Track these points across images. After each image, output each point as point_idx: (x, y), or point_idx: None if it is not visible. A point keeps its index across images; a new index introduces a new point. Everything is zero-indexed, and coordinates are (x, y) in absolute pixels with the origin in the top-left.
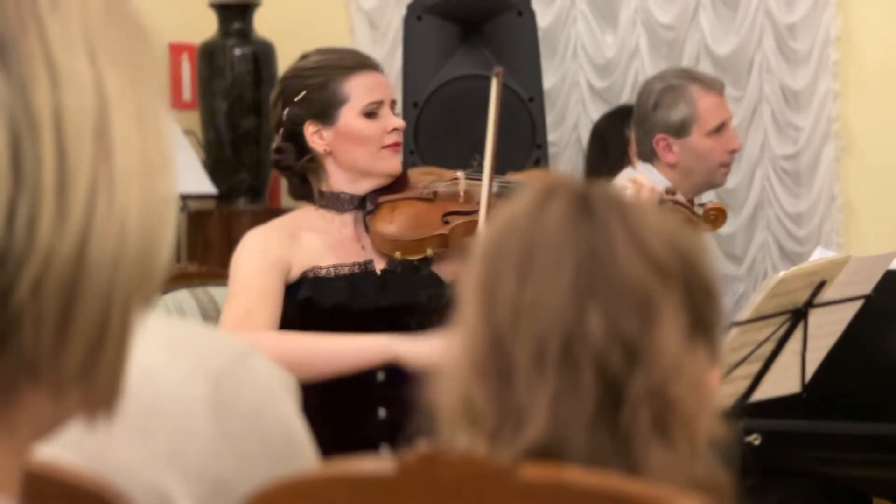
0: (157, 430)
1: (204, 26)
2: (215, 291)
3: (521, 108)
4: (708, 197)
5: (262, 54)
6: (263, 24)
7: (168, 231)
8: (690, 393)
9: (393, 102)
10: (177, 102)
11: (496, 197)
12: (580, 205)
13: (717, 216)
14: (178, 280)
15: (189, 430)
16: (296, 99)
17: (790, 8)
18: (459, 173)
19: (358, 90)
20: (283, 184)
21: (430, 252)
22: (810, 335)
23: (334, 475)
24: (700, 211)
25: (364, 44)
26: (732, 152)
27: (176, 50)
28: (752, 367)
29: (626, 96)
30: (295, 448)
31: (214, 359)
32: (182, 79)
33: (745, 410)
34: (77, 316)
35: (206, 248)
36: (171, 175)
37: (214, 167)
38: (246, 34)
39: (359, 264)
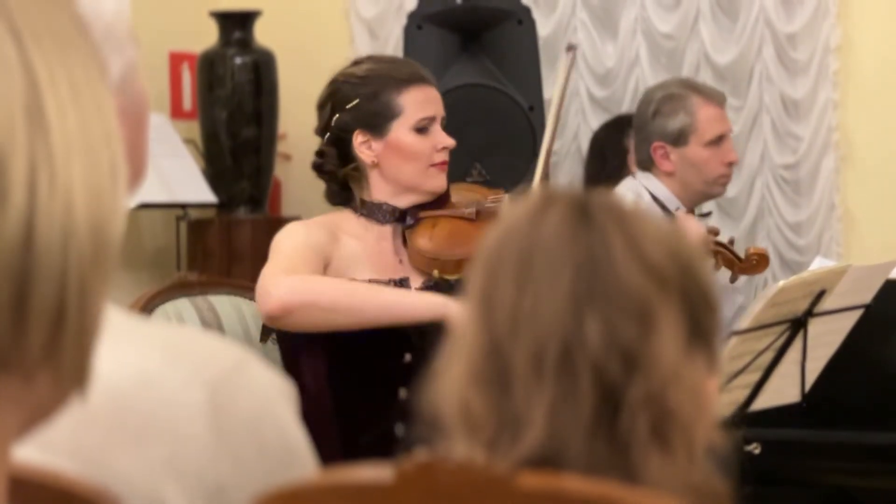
0: (155, 436)
1: (204, 35)
2: (215, 300)
3: (522, 118)
4: (708, 207)
5: (263, 63)
6: (264, 33)
7: (119, 203)
8: (689, 401)
9: (443, 119)
10: (177, 111)
11: None
12: (578, 212)
13: (758, 261)
14: (177, 289)
15: (187, 437)
16: (347, 106)
17: (790, 17)
18: (503, 192)
19: (411, 104)
20: (283, 193)
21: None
22: (810, 344)
23: (333, 483)
24: (742, 254)
25: (364, 53)
26: (729, 165)
27: (176, 59)
28: (752, 377)
29: (627, 106)
30: (293, 455)
31: (212, 365)
32: (182, 88)
33: (745, 419)
34: (32, 298)
35: (205, 257)
36: (114, 145)
37: (214, 176)
38: (246, 43)
39: (395, 281)
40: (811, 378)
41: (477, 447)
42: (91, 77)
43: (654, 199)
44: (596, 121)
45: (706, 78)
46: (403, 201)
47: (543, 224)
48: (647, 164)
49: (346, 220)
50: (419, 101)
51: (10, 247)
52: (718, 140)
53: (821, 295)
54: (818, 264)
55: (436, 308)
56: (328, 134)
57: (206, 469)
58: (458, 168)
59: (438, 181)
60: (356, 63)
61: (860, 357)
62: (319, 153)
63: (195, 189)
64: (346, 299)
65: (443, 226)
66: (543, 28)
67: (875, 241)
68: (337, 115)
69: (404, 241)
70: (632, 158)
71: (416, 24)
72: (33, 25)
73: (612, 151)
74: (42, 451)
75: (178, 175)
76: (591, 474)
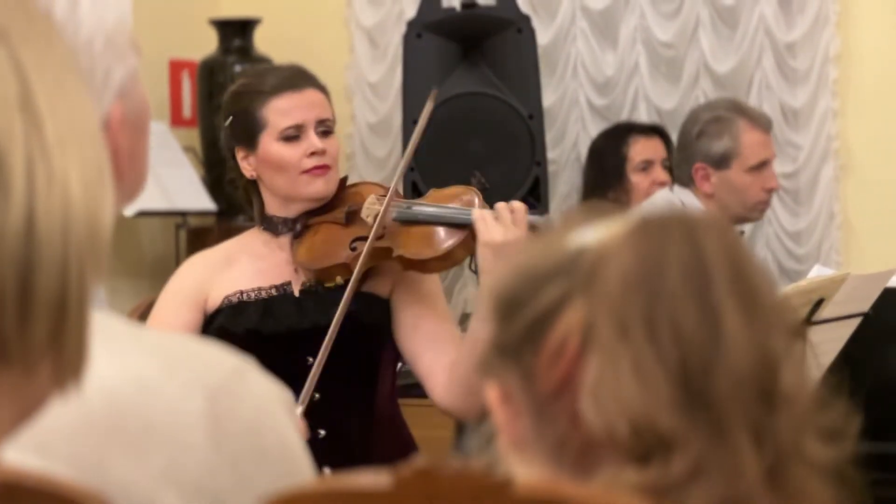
0: (153, 444)
1: (204, 43)
2: None
3: (521, 126)
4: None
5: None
6: (264, 41)
7: (108, 194)
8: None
9: (322, 122)
10: (177, 119)
11: (400, 222)
12: (722, 232)
13: None
14: None
15: (185, 445)
16: (225, 124)
17: (790, 26)
18: (371, 195)
19: (274, 115)
20: None
21: (339, 280)
22: (808, 353)
23: (330, 489)
24: None
25: (364, 61)
26: (770, 191)
27: (176, 67)
28: None
29: (626, 114)
30: (292, 462)
31: (211, 373)
32: (182, 96)
33: None
34: (36, 289)
35: None
36: (99, 139)
37: (214, 184)
38: (246, 51)
39: (276, 287)
40: None
41: (662, 471)
42: (73, 78)
43: None
44: (595, 129)
45: (706, 86)
46: (292, 211)
47: (702, 245)
48: (686, 183)
49: (252, 239)
50: (283, 111)
51: (13, 238)
52: (761, 166)
53: (819, 303)
54: (817, 273)
55: None
56: (227, 151)
57: (204, 477)
58: (457, 177)
59: (314, 187)
60: (240, 75)
61: (858, 365)
62: (227, 168)
63: (194, 197)
64: None
65: (321, 233)
66: (543, 37)
67: (874, 251)
68: (222, 134)
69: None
70: (631, 166)
71: (415, 33)
72: (19, 27)
73: (610, 160)
74: (40, 456)
75: (178, 183)
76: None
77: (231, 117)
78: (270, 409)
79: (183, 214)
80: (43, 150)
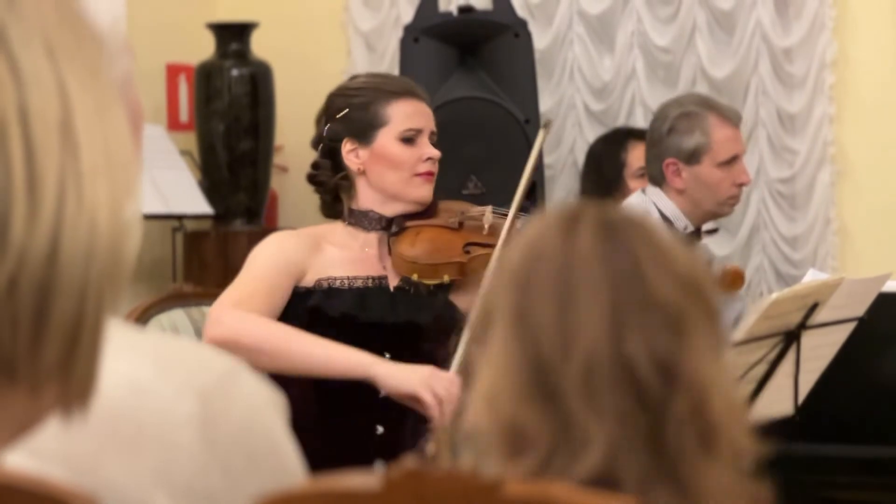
0: (145, 445)
1: (201, 47)
2: None
3: (518, 131)
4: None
5: (260, 75)
6: (261, 45)
7: (136, 225)
8: (727, 408)
9: (433, 133)
10: (174, 123)
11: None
12: (607, 228)
13: (734, 279)
14: (173, 300)
15: (177, 447)
16: (337, 116)
17: (786, 32)
18: (488, 208)
19: (398, 115)
20: (280, 205)
21: (446, 278)
22: (803, 357)
23: (320, 490)
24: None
25: (361, 65)
26: (741, 186)
27: (173, 71)
28: (745, 389)
29: (623, 119)
30: (283, 465)
31: (203, 375)
32: (179, 100)
33: None
34: (52, 313)
35: (202, 269)
36: (133, 170)
37: (211, 188)
38: (243, 55)
39: (373, 278)
40: (804, 391)
41: (523, 464)
42: (114, 103)
43: (662, 215)
44: (592, 134)
45: (703, 91)
46: (389, 209)
47: (575, 243)
48: (657, 180)
49: (334, 231)
50: (407, 113)
51: (36, 260)
52: (732, 160)
53: (814, 308)
54: (811, 277)
55: (360, 368)
56: (321, 145)
57: (196, 478)
58: (454, 181)
59: (422, 191)
60: (353, 78)
61: (853, 370)
62: (314, 165)
63: (191, 201)
64: (271, 345)
65: (426, 234)
66: (540, 41)
67: (870, 256)
68: (328, 126)
69: (389, 249)
70: (629, 171)
71: (412, 37)
72: (66, 47)
73: (609, 164)
74: (33, 458)
75: (175, 187)
76: (643, 490)
77: (347, 110)
78: (262, 411)
79: (179, 218)
80: (76, 177)
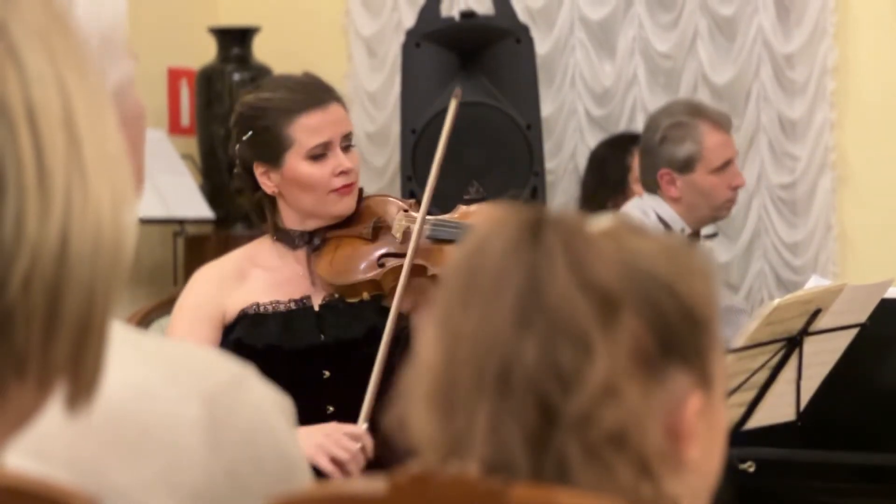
0: (151, 450)
1: (203, 51)
2: None
3: (519, 136)
4: (707, 229)
5: (261, 80)
6: (262, 49)
7: (133, 219)
8: (635, 418)
9: (346, 136)
10: (175, 127)
11: (432, 240)
12: (528, 232)
13: None
14: (174, 304)
15: (183, 451)
16: (244, 138)
17: (788, 38)
18: (405, 207)
19: (302, 133)
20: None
21: (366, 296)
22: (805, 363)
23: (326, 494)
24: None
25: (362, 70)
26: (736, 188)
27: (174, 75)
28: (747, 395)
29: (624, 125)
30: (290, 470)
31: (209, 379)
32: (180, 104)
33: (740, 438)
34: (63, 309)
35: None
36: (127, 167)
37: (212, 192)
38: (245, 59)
39: (295, 301)
40: (806, 397)
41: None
42: (106, 103)
43: (661, 220)
44: (593, 139)
45: (704, 98)
46: (311, 225)
47: (491, 244)
48: (653, 188)
49: (262, 249)
50: (311, 128)
51: (48, 256)
52: (725, 165)
53: (816, 314)
54: (814, 283)
55: None
56: (237, 161)
57: (200, 483)
58: (454, 186)
59: (340, 206)
60: (257, 88)
61: (855, 376)
62: (235, 178)
63: (192, 205)
64: None
65: (343, 248)
66: (541, 47)
67: (871, 262)
68: (238, 146)
69: (312, 267)
70: (633, 176)
71: (414, 42)
72: (60, 46)
73: (612, 168)
74: (38, 461)
75: (176, 191)
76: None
77: (251, 133)
78: (268, 417)
79: (181, 222)
80: (81, 172)
